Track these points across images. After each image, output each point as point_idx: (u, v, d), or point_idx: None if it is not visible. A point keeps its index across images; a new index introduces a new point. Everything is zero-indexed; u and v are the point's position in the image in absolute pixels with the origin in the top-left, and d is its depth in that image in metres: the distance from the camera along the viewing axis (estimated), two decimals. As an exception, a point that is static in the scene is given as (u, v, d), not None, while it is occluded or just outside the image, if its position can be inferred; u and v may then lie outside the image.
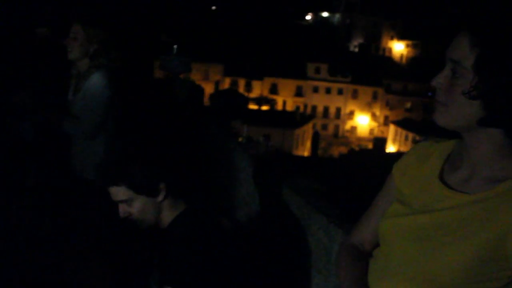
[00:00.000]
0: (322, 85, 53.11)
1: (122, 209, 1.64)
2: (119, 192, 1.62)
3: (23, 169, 3.40)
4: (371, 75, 53.83)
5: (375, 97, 54.77)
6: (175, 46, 5.42)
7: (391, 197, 1.29)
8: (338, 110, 54.16)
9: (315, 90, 53.16)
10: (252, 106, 43.56)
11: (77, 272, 2.14)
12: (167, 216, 1.68)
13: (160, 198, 1.65)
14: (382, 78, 54.47)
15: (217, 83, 47.61)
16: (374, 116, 54.91)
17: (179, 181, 1.67)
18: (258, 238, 2.47)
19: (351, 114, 54.62)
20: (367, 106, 54.43)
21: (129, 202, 1.63)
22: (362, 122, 54.85)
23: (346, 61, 54.87)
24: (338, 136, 53.33)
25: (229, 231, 1.72)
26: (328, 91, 53.38)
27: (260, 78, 51.32)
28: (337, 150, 47.12)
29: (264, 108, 45.97)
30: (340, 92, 53.67)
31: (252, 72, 49.87)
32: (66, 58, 2.89)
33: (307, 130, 44.39)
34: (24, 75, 2.82)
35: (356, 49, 64.05)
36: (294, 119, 41.56)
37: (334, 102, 53.78)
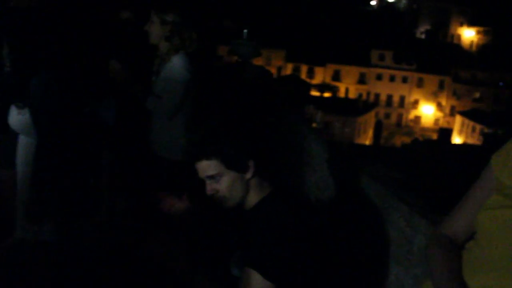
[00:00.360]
0: (386, 72, 51.67)
1: (210, 186, 1.65)
2: (209, 167, 1.62)
3: (100, 150, 3.55)
4: (438, 63, 51.64)
5: (441, 86, 52.59)
6: (245, 31, 5.43)
7: (489, 188, 1.24)
8: (402, 99, 52.55)
9: (379, 77, 51.82)
10: (314, 93, 43.17)
11: (152, 250, 2.21)
12: (253, 196, 1.68)
13: (248, 175, 1.65)
14: (449, 67, 52.13)
15: (279, 69, 47.52)
16: (439, 106, 52.81)
17: (266, 160, 1.68)
18: (331, 225, 2.46)
19: (415, 103, 52.83)
20: (433, 95, 52.40)
21: (218, 178, 1.63)
22: (427, 111, 52.95)
23: (412, 48, 52.94)
24: (401, 126, 51.83)
25: (311, 216, 1.72)
26: (392, 79, 51.88)
27: (322, 64, 50.68)
28: (400, 140, 45.87)
29: (326, 95, 45.41)
30: (404, 80, 52.01)
31: (314, 58, 49.31)
32: (149, 41, 3.03)
33: (369, 118, 43.49)
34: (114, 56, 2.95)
35: (423, 36, 61.63)
36: (357, 107, 40.81)
37: (398, 91, 52.23)
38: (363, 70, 51.54)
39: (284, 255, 1.54)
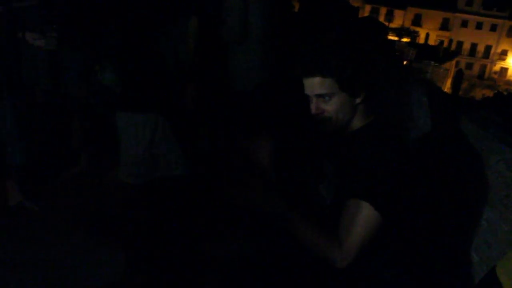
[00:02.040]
0: (473, 19, 48.02)
1: (317, 105, 1.59)
2: (322, 85, 1.55)
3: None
4: (534, 10, 47.18)
5: (535, 36, 48.36)
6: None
7: None
8: (488, 49, 48.94)
9: (464, 24, 48.35)
10: (392, 37, 41.17)
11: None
12: (356, 122, 1.62)
13: (358, 100, 1.59)
14: (547, 15, 47.56)
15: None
16: (530, 59, 48.85)
17: (375, 87, 1.60)
18: (426, 164, 2.37)
19: (502, 54, 49.08)
20: (524, 47, 48.40)
21: (328, 97, 1.56)
22: (515, 64, 49.19)
23: (506, -7, 48.50)
24: (484, 78, 48.64)
25: (410, 151, 1.64)
26: (479, 26, 48.21)
27: (403, 7, 47.98)
28: (481, 93, 43.23)
29: (405, 40, 43.16)
30: (493, 28, 48.15)
31: (394, 0, 46.71)
32: None
33: (449, 67, 41.11)
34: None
35: (520, -20, 56.16)
36: (437, 55, 38.61)
37: (484, 40, 48.59)
38: (447, 15, 48.23)
39: (394, 186, 1.47)
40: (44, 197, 3.10)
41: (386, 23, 42.13)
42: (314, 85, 1.57)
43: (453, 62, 42.77)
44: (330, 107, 1.58)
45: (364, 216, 1.46)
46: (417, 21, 48.64)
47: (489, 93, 40.73)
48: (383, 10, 48.45)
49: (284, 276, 1.63)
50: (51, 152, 3.55)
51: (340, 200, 1.54)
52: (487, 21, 47.92)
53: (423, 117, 2.62)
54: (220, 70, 3.27)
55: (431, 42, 46.77)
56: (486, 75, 49.16)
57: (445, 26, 48.76)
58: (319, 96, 1.58)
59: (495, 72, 49.48)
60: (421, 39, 47.13)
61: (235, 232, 2.01)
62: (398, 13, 48.61)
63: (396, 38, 41.55)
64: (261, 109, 3.04)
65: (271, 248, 1.72)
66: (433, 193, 2.23)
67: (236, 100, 3.32)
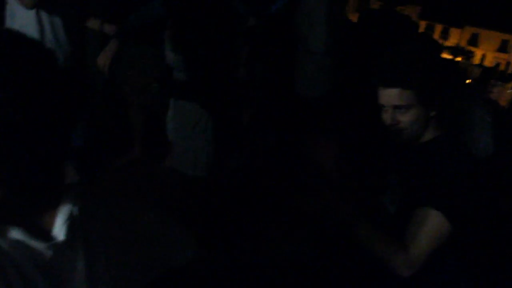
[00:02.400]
0: (534, 42, 46.34)
1: (393, 115, 1.58)
2: (401, 96, 1.54)
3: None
4: None
5: None
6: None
7: None
8: (547, 74, 47.06)
9: (524, 47, 46.73)
10: (446, 56, 40.22)
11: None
12: (428, 134, 1.62)
13: (433, 113, 1.59)
14: None
15: (411, 26, 44.68)
16: None
17: (447, 102, 1.60)
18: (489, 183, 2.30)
19: (562, 81, 47.01)
20: None
21: (404, 109, 1.56)
22: None
23: None
24: (540, 104, 46.70)
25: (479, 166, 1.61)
26: (539, 50, 46.47)
27: (459, 26, 46.81)
28: (535, 119, 41.46)
29: (458, 59, 42.08)
30: (554, 53, 46.30)
31: (451, 18, 45.63)
32: None
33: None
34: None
35: None
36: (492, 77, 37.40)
37: (544, 64, 46.76)
38: (507, 37, 46.65)
39: (465, 198, 1.46)
40: (97, 181, 3.20)
41: (441, 41, 41.17)
42: (392, 96, 1.56)
43: (509, 85, 41.27)
44: (406, 118, 1.58)
45: (434, 225, 1.44)
46: (473, 41, 47.33)
47: (544, 120, 39.01)
48: (438, 28, 47.45)
49: (340, 282, 1.63)
50: (107, 138, 3.66)
51: (405, 210, 1.53)
52: (549, 46, 46.09)
53: (484, 136, 2.55)
54: (284, 75, 3.29)
55: (487, 63, 45.33)
56: (543, 101, 47.15)
57: (503, 47, 47.16)
58: (396, 107, 1.58)
59: (553, 100, 47.41)
60: (476, 60, 45.80)
61: (295, 235, 2.02)
62: (454, 32, 47.49)
63: (450, 57, 40.56)
64: (330, 115, 3.04)
65: (329, 254, 1.72)
66: (502, 210, 2.17)
67: (304, 106, 3.33)
